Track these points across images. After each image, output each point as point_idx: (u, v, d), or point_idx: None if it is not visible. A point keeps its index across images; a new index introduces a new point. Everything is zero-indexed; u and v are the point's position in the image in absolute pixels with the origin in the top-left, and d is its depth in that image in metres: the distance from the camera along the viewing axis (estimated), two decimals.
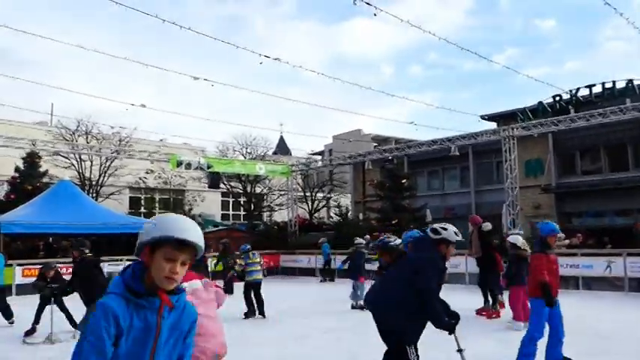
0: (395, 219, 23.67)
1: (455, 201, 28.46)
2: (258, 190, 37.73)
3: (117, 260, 19.75)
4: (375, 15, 12.45)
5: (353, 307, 13.11)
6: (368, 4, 12.13)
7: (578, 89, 22.70)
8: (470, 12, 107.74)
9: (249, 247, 13.04)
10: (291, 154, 47.15)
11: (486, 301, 11.65)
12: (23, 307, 11.39)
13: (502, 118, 25.61)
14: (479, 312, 11.51)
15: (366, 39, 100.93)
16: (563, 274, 14.70)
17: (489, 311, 11.33)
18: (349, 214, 31.59)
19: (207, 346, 3.30)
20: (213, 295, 3.65)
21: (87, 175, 29.83)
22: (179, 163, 22.52)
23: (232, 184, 36.33)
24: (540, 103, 23.34)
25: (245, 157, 35.08)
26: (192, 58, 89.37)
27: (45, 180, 25.28)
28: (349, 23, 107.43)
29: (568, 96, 22.85)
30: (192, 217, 29.55)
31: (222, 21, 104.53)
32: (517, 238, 10.33)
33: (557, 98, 23.11)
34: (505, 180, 20.78)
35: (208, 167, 23.53)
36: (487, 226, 11.87)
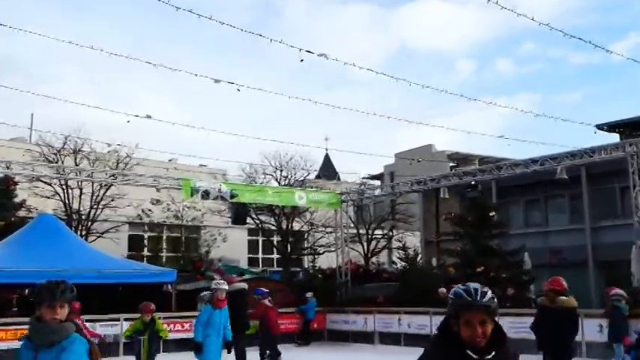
0: (480, 265, 23.09)
1: (563, 241, 27.76)
2: (296, 226, 37.81)
3: (113, 320, 19.83)
4: None
5: None
6: None
7: None
8: None
9: None
10: (339, 179, 47.18)
11: None
12: None
13: (627, 128, 24.94)
14: None
15: (438, 27, 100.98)
16: None
17: None
18: (418, 258, 31.20)
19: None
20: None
21: (75, 206, 30.51)
22: (194, 191, 22.73)
23: (263, 218, 36.44)
24: None
25: (279, 183, 35.22)
26: (214, 57, 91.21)
27: (21, 213, 25.87)
28: (415, 6, 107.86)
29: None
30: (211, 262, 29.98)
31: (252, 10, 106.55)
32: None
33: None
34: (634, 213, 20.04)
35: (232, 197, 23.60)
36: (239, 285, 13.96)
